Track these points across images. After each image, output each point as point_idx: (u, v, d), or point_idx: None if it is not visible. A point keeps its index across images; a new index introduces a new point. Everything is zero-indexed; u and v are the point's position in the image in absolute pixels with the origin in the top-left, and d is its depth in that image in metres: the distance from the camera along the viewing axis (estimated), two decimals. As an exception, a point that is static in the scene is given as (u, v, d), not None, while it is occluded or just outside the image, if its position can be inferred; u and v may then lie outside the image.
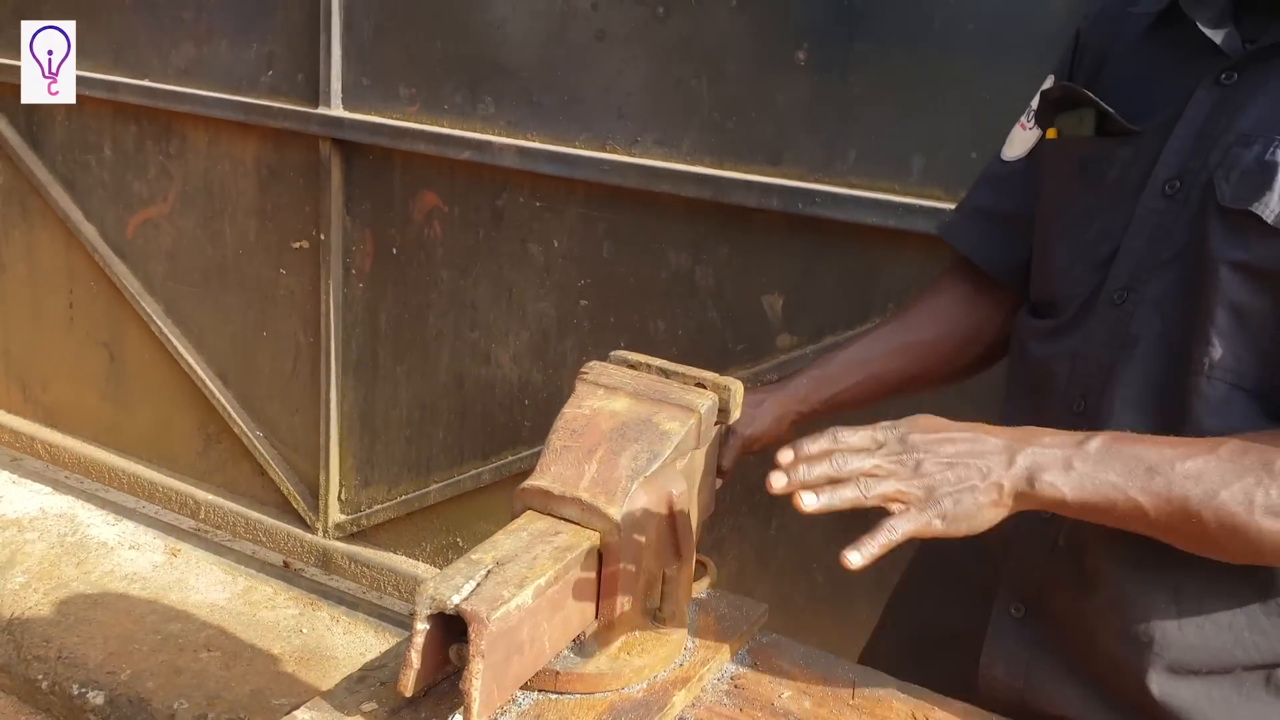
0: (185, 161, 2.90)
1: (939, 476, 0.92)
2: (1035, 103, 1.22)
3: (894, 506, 0.92)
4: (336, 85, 2.54)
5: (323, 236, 2.67)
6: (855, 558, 0.90)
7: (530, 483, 1.03)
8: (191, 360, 3.01)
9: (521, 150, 2.33)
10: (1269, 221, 0.95)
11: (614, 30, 2.21)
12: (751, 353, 2.21)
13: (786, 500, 0.91)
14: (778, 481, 0.92)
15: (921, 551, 1.35)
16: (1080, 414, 1.08)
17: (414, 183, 2.53)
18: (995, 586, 1.15)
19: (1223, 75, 1.01)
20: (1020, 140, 1.25)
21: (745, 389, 1.16)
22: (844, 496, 0.91)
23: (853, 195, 2.01)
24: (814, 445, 0.93)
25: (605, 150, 2.26)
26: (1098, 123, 1.10)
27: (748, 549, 2.30)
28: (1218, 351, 0.99)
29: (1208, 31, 1.02)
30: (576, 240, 2.36)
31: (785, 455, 0.93)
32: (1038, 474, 0.93)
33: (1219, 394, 1.00)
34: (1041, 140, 1.21)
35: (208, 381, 2.99)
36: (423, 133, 2.44)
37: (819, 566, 2.22)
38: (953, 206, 1.38)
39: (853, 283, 2.09)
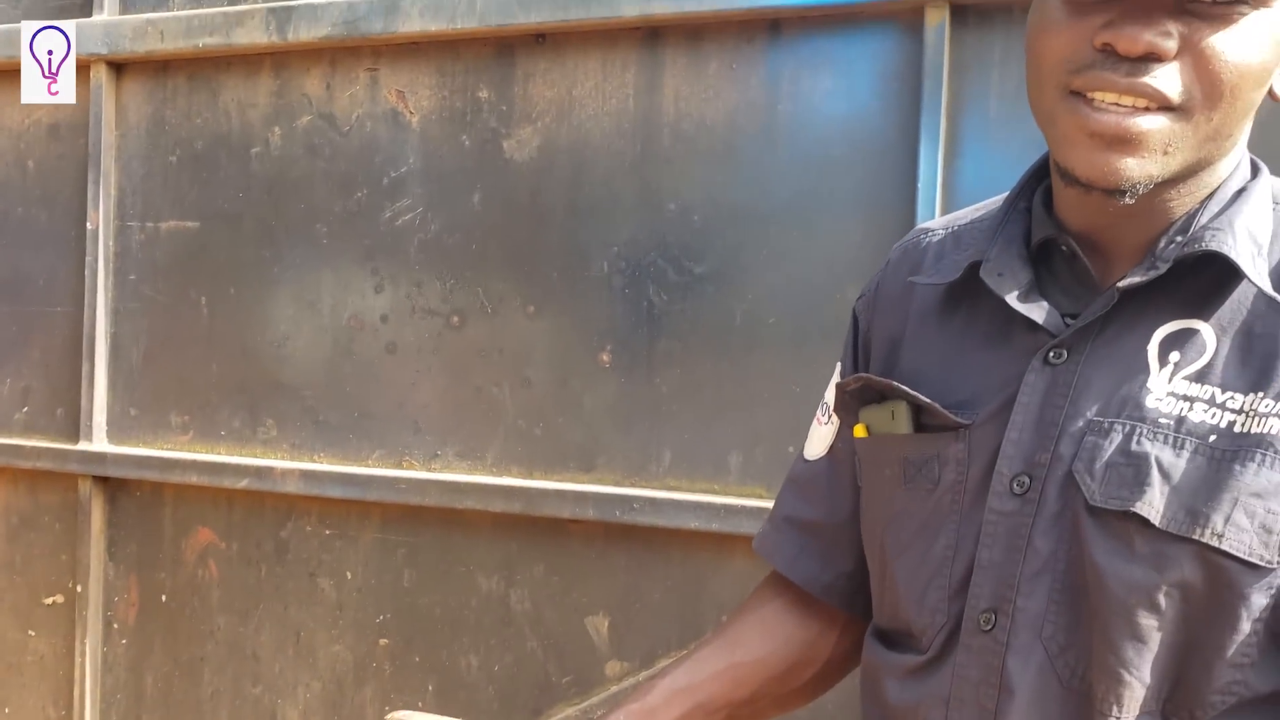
0: (-77, 513, 2.54)
1: None
2: (830, 396, 1.10)
3: None
4: (100, 418, 2.29)
5: (80, 588, 2.31)
6: None
7: None
8: (-85, 751, 2.50)
9: (306, 474, 2.11)
10: (1156, 524, 0.81)
11: (405, 342, 2.08)
12: (579, 685, 1.95)
13: None
14: None
15: None
16: None
17: (187, 519, 2.26)
18: None
19: (1050, 354, 0.89)
20: (819, 437, 1.11)
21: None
22: None
23: (672, 499, 1.87)
24: None
25: (402, 467, 2.08)
26: (914, 417, 0.96)
27: None
28: (1126, 685, 0.83)
29: (1020, 308, 0.90)
30: (373, 570, 2.11)
31: None
32: None
33: None
34: (840, 435, 1.07)
35: (-67, 776, 2.48)
36: (195, 462, 2.20)
37: None
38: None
39: (681, 596, 1.90)
